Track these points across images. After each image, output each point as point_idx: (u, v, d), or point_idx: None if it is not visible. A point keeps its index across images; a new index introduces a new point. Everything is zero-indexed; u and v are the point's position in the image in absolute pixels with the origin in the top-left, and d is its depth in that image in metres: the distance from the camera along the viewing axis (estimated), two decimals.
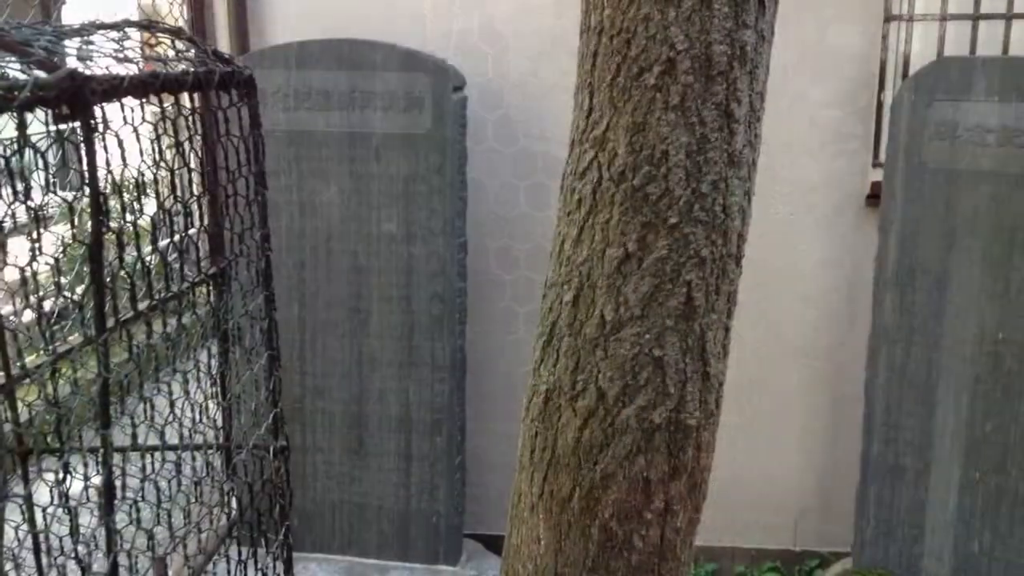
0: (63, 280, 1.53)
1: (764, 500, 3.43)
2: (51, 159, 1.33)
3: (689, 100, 1.37)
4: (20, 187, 1.35)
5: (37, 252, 1.33)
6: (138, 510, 1.68)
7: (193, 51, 1.72)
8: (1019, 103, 2.61)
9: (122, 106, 1.36)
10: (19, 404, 1.72)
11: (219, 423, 1.97)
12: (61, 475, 1.61)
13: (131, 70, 1.44)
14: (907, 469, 2.89)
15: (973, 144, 2.67)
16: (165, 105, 1.57)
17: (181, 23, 3.10)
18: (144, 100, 1.40)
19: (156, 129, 1.58)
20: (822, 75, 3.05)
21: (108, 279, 1.33)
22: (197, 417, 1.81)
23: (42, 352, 1.68)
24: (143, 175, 1.55)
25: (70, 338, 1.84)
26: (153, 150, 1.61)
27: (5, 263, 1.43)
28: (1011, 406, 2.73)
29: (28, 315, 1.91)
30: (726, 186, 1.44)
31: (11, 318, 2.01)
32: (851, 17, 3.00)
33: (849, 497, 3.05)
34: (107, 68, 1.45)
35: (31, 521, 1.68)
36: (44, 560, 1.75)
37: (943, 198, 2.73)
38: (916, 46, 3.05)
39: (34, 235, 1.31)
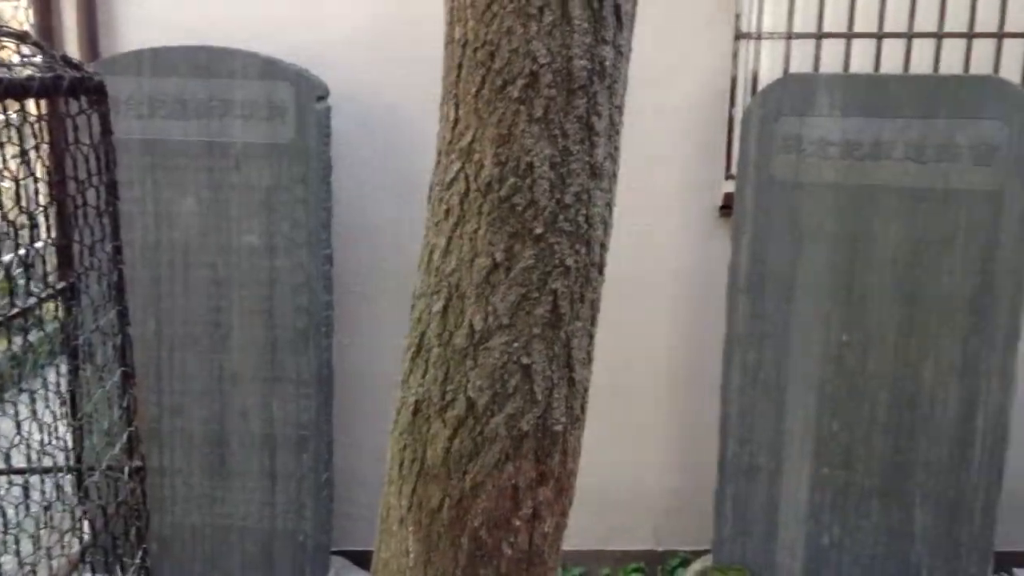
0: None
1: (628, 503, 3.51)
2: None
3: (552, 113, 1.40)
4: None
5: None
6: None
7: (40, 56, 1.64)
8: (859, 118, 2.78)
9: None
10: None
11: (70, 444, 1.87)
12: None
13: None
14: (761, 468, 3.02)
15: (817, 157, 2.83)
16: (9, 112, 1.49)
17: (27, 28, 2.95)
18: None
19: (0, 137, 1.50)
20: (677, 90, 3.17)
21: None
22: (46, 439, 1.72)
23: None
24: None
25: None
26: None
27: None
28: (855, 405, 2.90)
29: None
30: (588, 197, 1.47)
31: None
32: (703, 34, 3.12)
33: (708, 497, 3.16)
34: None
35: None
36: None
37: (790, 209, 2.88)
38: (765, 63, 3.20)
39: None
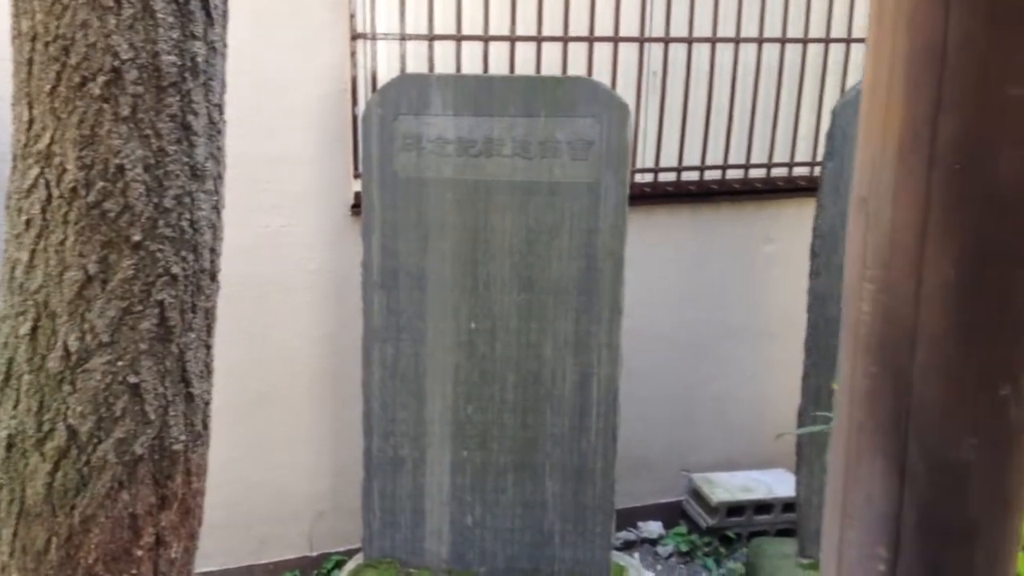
0: None
1: (277, 512, 3.43)
2: None
3: (141, 111, 1.31)
4: None
5: None
6: None
7: None
8: (470, 116, 2.92)
9: None
10: None
11: None
12: None
13: None
14: (406, 459, 3.08)
15: (436, 155, 2.93)
16: None
17: None
18: None
19: None
20: (300, 90, 3.13)
21: None
22: None
23: None
24: None
25: None
26: None
27: None
28: (487, 388, 3.05)
29: None
30: (191, 200, 1.40)
31: None
32: (322, 34, 3.11)
33: (359, 494, 3.17)
34: None
35: None
36: None
37: (415, 205, 2.96)
38: (384, 63, 3.26)
39: None
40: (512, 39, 3.29)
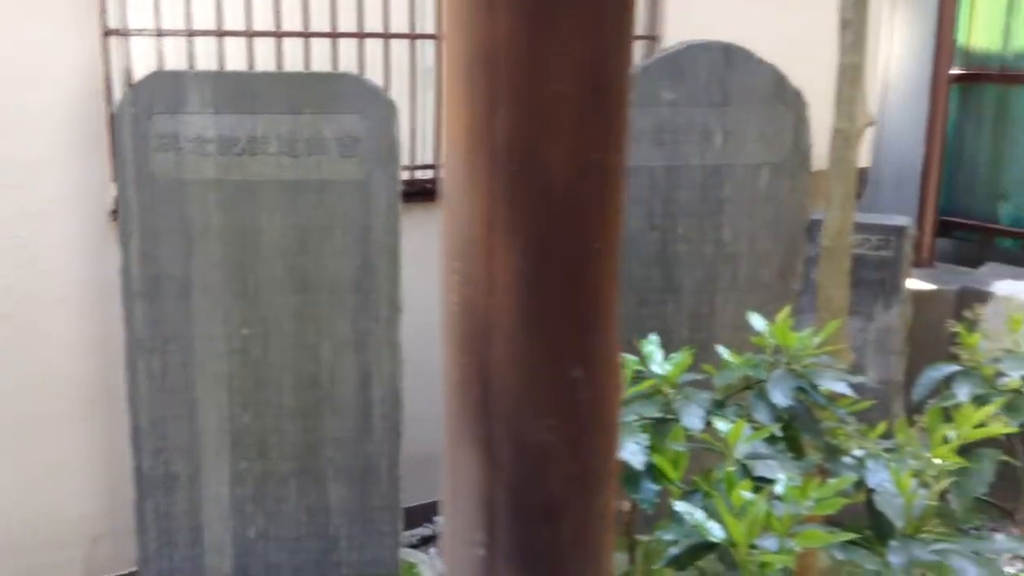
0: None
1: (50, 539, 3.22)
2: None
3: None
4: None
5: None
6: None
7: None
8: (232, 115, 2.84)
9: None
10: None
11: None
12: None
13: None
14: (179, 475, 2.96)
15: (196, 155, 2.82)
16: None
17: None
18: None
19: None
20: (48, 90, 2.94)
21: None
22: None
23: None
24: None
25: None
26: None
27: None
28: (264, 395, 2.98)
29: None
30: None
31: None
32: (71, 31, 2.93)
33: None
34: None
35: None
36: None
37: (176, 208, 2.84)
38: (140, 61, 3.11)
39: None
40: (278, 35, 3.22)
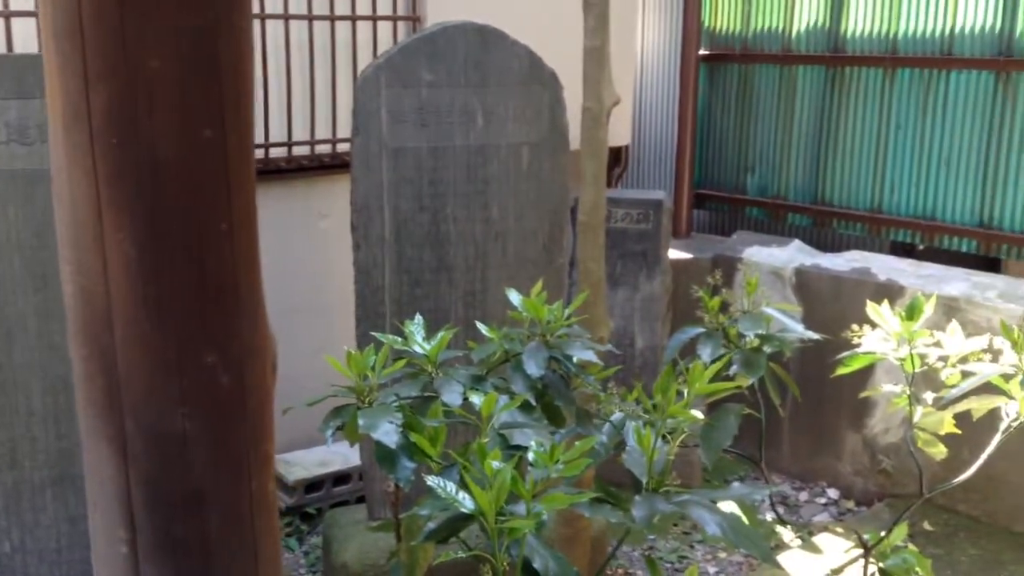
0: None
1: None
2: None
3: None
4: None
5: None
6: None
7: None
8: (18, 100, 2.61)
9: None
10: None
11: None
12: None
13: None
14: None
15: None
16: None
17: None
18: None
19: None
20: None
21: None
22: None
23: None
24: None
25: None
26: None
27: None
28: (10, 400, 2.77)
29: None
30: None
31: None
32: None
33: None
34: None
35: None
36: None
37: None
38: None
39: None
40: (7, 16, 2.98)
